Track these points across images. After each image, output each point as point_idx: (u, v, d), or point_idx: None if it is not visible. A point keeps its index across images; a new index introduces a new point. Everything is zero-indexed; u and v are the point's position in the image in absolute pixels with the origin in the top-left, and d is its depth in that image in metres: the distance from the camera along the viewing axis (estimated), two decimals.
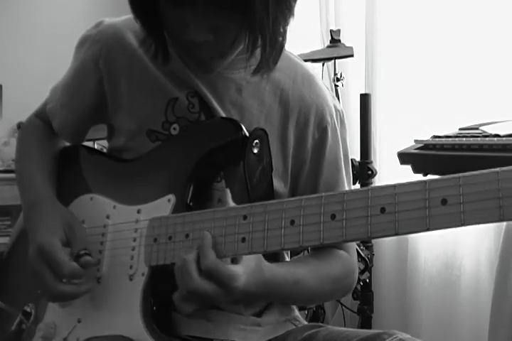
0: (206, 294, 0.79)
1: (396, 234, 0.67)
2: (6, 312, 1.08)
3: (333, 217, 0.72)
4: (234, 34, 0.86)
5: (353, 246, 1.08)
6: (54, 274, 0.91)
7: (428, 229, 0.65)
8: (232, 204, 0.90)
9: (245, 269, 0.82)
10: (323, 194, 0.75)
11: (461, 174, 0.64)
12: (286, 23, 0.87)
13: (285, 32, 0.89)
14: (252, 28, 0.84)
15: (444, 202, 0.64)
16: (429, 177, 0.69)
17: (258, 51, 0.88)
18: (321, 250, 1.03)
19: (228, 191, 0.96)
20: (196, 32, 0.84)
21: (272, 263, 0.90)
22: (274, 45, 0.88)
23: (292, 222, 0.76)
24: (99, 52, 1.02)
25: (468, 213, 0.62)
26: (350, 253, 1.06)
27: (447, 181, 0.65)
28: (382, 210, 0.68)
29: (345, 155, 1.08)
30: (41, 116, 1.15)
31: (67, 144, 1.17)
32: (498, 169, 0.62)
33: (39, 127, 1.15)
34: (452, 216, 0.63)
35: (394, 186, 0.68)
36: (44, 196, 1.03)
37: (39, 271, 0.92)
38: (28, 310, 1.04)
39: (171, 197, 0.93)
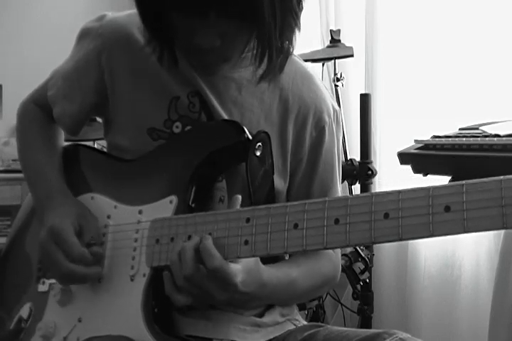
0: (204, 286, 0.80)
1: (400, 240, 0.67)
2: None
3: (336, 221, 0.72)
4: (241, 41, 0.88)
5: None
6: (64, 255, 0.93)
7: (431, 236, 0.65)
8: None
9: (244, 268, 0.83)
10: (327, 198, 0.75)
11: (464, 181, 0.64)
12: (293, 32, 0.89)
13: (292, 40, 0.91)
14: (260, 38, 0.86)
15: (447, 209, 0.64)
16: (432, 182, 0.68)
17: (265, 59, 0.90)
18: None
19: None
20: (204, 38, 0.85)
21: (268, 264, 0.91)
22: (281, 53, 0.90)
23: (296, 226, 0.76)
24: (101, 47, 1.02)
25: (472, 220, 0.62)
26: (336, 251, 1.09)
27: (451, 188, 0.65)
28: (386, 216, 0.68)
29: (338, 155, 1.10)
30: (40, 103, 1.13)
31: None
32: (501, 177, 0.62)
33: (39, 116, 1.14)
34: (455, 223, 0.63)
35: (398, 192, 0.68)
36: (57, 188, 1.04)
37: (50, 252, 0.94)
38: (27, 308, 1.04)
39: (173, 198, 0.93)
